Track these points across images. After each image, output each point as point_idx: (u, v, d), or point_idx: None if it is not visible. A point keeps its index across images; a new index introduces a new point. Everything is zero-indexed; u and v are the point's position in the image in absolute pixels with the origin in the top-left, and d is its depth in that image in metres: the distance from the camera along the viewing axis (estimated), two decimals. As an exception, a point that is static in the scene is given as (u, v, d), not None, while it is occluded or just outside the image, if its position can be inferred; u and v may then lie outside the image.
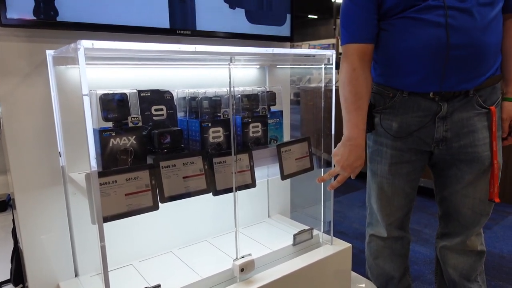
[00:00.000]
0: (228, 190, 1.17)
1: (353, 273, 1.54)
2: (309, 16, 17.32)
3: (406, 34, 1.15)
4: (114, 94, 1.02)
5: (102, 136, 0.98)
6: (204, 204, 1.47)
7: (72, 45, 0.84)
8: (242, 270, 1.17)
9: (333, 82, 1.37)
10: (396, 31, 1.17)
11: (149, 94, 1.13)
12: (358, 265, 1.73)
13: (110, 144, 1.00)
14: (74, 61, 0.86)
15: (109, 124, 1.03)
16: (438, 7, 1.08)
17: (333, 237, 1.42)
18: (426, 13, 1.10)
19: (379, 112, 1.28)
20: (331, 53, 1.27)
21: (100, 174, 0.91)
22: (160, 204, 1.03)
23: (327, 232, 1.44)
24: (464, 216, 1.27)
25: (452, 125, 1.17)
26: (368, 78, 1.21)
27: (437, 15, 1.08)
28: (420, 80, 1.16)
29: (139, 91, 1.11)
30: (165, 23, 1.26)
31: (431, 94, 1.16)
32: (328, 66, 1.33)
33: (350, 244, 1.40)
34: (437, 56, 1.10)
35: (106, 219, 0.92)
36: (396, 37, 1.17)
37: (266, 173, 1.46)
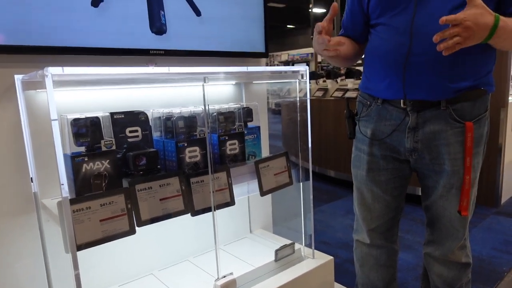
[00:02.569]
0: (207, 210, 1.16)
1: (337, 285, 1.54)
2: (287, 26, 17.56)
3: (379, 40, 1.19)
4: (85, 119, 1.00)
5: (74, 161, 0.96)
6: (185, 223, 1.45)
7: (40, 71, 0.83)
8: (223, 290, 1.16)
9: (308, 95, 1.39)
10: (374, 37, 1.22)
11: (123, 116, 1.12)
12: (343, 275, 1.73)
13: (83, 170, 0.98)
14: (43, 85, 0.85)
15: (82, 149, 1.01)
16: (407, 14, 1.11)
17: (315, 250, 1.43)
18: (396, 20, 1.13)
19: (358, 120, 1.32)
20: (304, 69, 1.29)
21: (73, 201, 0.90)
22: (137, 228, 1.02)
23: (309, 245, 1.44)
24: (444, 227, 1.29)
25: (423, 137, 1.19)
26: None
27: (405, 22, 1.11)
28: (387, 86, 1.19)
29: (112, 114, 1.09)
30: (138, 44, 1.25)
31: (401, 103, 1.18)
32: (302, 81, 1.35)
33: (331, 257, 1.40)
34: (398, 62, 1.13)
35: (80, 247, 0.90)
36: (373, 42, 1.22)
37: (246, 190, 1.45)
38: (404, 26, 1.11)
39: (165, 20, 1.28)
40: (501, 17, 1.00)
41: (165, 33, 1.29)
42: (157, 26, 1.26)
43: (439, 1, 1.08)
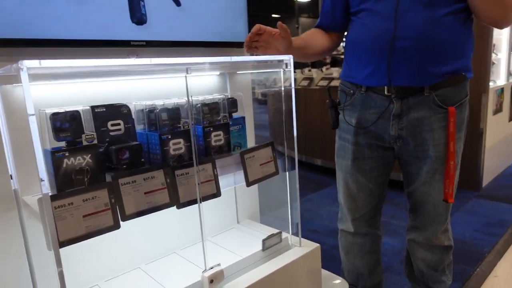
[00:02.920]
0: (192, 202, 1.15)
1: (325, 271, 1.56)
2: (272, 15, 17.44)
3: (361, 27, 1.20)
4: (65, 113, 0.98)
5: (54, 157, 0.94)
6: (171, 215, 1.44)
7: (15, 65, 0.80)
8: (211, 281, 1.16)
9: (292, 84, 1.38)
10: (355, 24, 1.22)
11: (104, 109, 1.09)
12: (330, 262, 1.75)
13: (64, 165, 0.96)
14: (19, 80, 0.82)
15: (63, 144, 0.99)
16: (391, 0, 1.11)
17: (302, 239, 1.44)
18: (380, 6, 1.13)
19: (342, 109, 1.32)
20: (288, 58, 1.28)
21: (54, 198, 0.88)
22: (122, 222, 1.01)
23: (295, 234, 1.45)
24: (428, 213, 1.31)
25: (408, 124, 1.20)
26: None
27: (389, 7, 1.11)
28: (371, 72, 1.19)
29: (93, 107, 1.07)
30: (118, 35, 1.22)
31: (385, 90, 1.19)
32: (286, 70, 1.34)
33: (318, 244, 1.42)
34: (383, 47, 1.13)
35: (63, 243, 0.89)
36: (355, 30, 1.23)
37: (233, 180, 1.45)
38: (389, 11, 1.11)
39: (145, 11, 1.25)
40: None
41: (145, 23, 1.26)
42: (138, 16, 1.23)
43: None
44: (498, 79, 3.66)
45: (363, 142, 1.29)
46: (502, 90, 3.45)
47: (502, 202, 2.89)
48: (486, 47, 3.00)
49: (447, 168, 1.20)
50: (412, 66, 1.13)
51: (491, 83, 3.18)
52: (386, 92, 1.18)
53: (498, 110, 3.40)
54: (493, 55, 3.36)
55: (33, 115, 0.80)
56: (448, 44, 1.13)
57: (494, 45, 3.30)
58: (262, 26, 1.19)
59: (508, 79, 3.72)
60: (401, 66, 1.13)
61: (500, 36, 3.64)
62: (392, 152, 1.30)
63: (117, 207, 0.99)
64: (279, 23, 1.17)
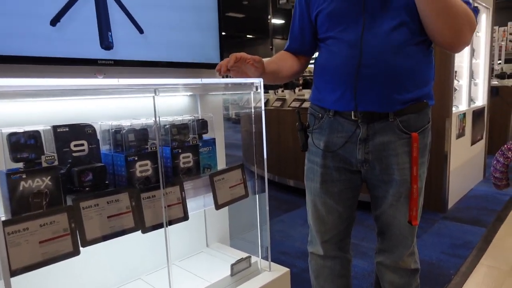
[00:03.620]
0: (159, 226, 1.12)
1: (295, 296, 1.54)
2: (247, 36, 17.74)
3: (328, 53, 1.23)
4: (24, 132, 0.93)
5: (9, 179, 0.89)
6: (136, 240, 1.39)
7: (-31, 83, 0.76)
8: (177, 309, 1.11)
9: (262, 106, 1.39)
10: (323, 50, 1.25)
11: (67, 129, 1.05)
12: (300, 285, 1.74)
13: (21, 188, 0.91)
14: (-26, 98, 0.78)
15: (20, 165, 0.94)
16: (356, 28, 1.15)
17: (272, 263, 1.42)
18: (345, 34, 1.17)
19: (311, 132, 1.33)
20: (258, 81, 1.29)
21: (7, 223, 0.83)
22: (82, 248, 0.96)
23: (265, 257, 1.43)
24: (394, 235, 1.33)
25: (373, 148, 1.23)
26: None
27: (355, 35, 1.15)
28: (339, 97, 1.22)
29: (55, 127, 1.03)
30: (86, 53, 1.20)
31: (352, 115, 1.21)
32: (256, 93, 1.35)
33: (288, 269, 1.40)
34: (350, 74, 1.17)
35: (16, 272, 0.83)
36: (323, 55, 1.26)
37: (202, 203, 1.42)
38: (355, 40, 1.15)
39: (112, 39, 1.25)
40: None
41: (112, 48, 1.26)
42: (106, 44, 1.25)
43: (383, 19, 1.13)
44: (460, 105, 3.83)
45: (331, 165, 1.30)
46: (464, 115, 3.62)
47: (467, 224, 2.98)
48: (448, 74, 3.15)
49: (411, 191, 1.22)
50: (377, 93, 1.16)
51: (454, 108, 3.33)
52: (353, 117, 1.21)
53: (461, 134, 3.55)
54: (455, 82, 3.54)
55: (-13, 135, 0.76)
56: (411, 73, 1.16)
57: (456, 72, 3.47)
58: (237, 54, 1.20)
59: (469, 105, 3.91)
60: (367, 92, 1.16)
61: (461, 64, 3.84)
62: (359, 175, 1.32)
63: (77, 232, 0.94)
64: (253, 57, 1.20)
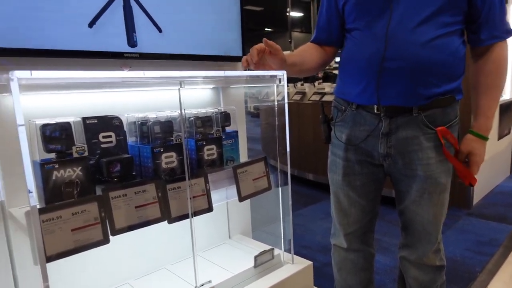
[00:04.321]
0: (184, 217, 1.14)
1: (316, 289, 1.54)
2: (265, 29, 17.65)
3: (354, 45, 1.21)
4: (56, 124, 0.96)
5: (43, 169, 0.92)
6: (162, 230, 1.42)
7: (5, 75, 0.79)
8: (201, 298, 1.13)
9: (286, 99, 1.39)
10: (349, 41, 1.24)
11: (95, 121, 1.08)
12: (322, 279, 1.73)
13: (53, 177, 0.94)
14: (9, 90, 0.81)
15: (52, 155, 0.97)
16: (382, 20, 1.12)
17: (294, 256, 1.42)
18: (371, 26, 1.15)
19: (334, 125, 1.33)
20: (282, 74, 1.29)
21: (42, 211, 0.85)
22: (111, 236, 0.98)
23: (288, 250, 1.44)
24: (418, 232, 1.31)
25: (396, 142, 1.20)
26: None
27: (380, 28, 1.13)
28: (361, 91, 1.20)
29: (85, 119, 1.06)
30: (112, 47, 1.22)
31: (375, 109, 1.20)
32: (279, 85, 1.34)
33: (311, 262, 1.40)
34: (373, 67, 1.15)
35: (50, 258, 0.86)
36: (348, 47, 1.24)
37: (225, 195, 1.43)
38: (380, 32, 1.13)
39: (136, 39, 1.29)
40: (478, 126, 1.21)
41: (136, 46, 1.29)
42: (131, 43, 1.28)
43: (413, 8, 1.10)
44: (487, 98, 3.73)
45: (353, 158, 1.29)
46: (491, 109, 3.52)
47: (493, 221, 2.90)
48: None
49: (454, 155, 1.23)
50: (400, 87, 1.14)
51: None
52: (375, 111, 1.19)
53: (487, 128, 3.46)
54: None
55: (22, 125, 0.79)
56: (438, 67, 1.12)
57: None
58: (257, 47, 1.20)
59: (497, 98, 3.80)
60: (389, 86, 1.14)
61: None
62: (382, 169, 1.30)
63: (107, 221, 0.97)
64: (264, 39, 1.18)
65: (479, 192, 3.37)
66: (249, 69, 1.26)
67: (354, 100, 1.24)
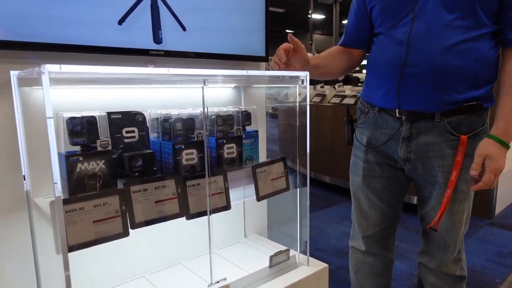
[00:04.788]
0: (202, 214, 1.14)
1: (331, 293, 1.53)
2: (286, 30, 17.65)
3: (379, 49, 1.21)
4: (82, 117, 0.98)
5: (68, 161, 0.94)
6: (179, 225, 1.43)
7: (37, 68, 0.81)
8: (216, 296, 1.14)
9: (307, 100, 1.38)
10: (375, 46, 1.24)
11: (119, 116, 1.10)
12: (336, 283, 1.72)
13: (77, 169, 0.96)
14: (39, 82, 0.83)
15: (77, 148, 1.00)
16: (405, 25, 1.11)
17: (310, 258, 1.41)
18: (395, 31, 1.14)
19: (356, 126, 1.32)
20: (304, 74, 1.28)
21: (66, 201, 0.88)
22: (131, 230, 1.00)
23: (303, 252, 1.43)
24: (436, 240, 1.28)
25: (417, 148, 1.18)
26: None
27: (403, 32, 1.11)
28: (384, 94, 1.20)
29: (109, 113, 1.08)
30: (138, 44, 1.24)
31: (397, 112, 1.18)
32: (302, 86, 1.34)
33: (326, 265, 1.39)
34: (394, 72, 1.14)
35: (72, 248, 0.88)
36: (374, 51, 1.24)
37: (242, 194, 1.44)
38: (402, 38, 1.12)
39: (162, 37, 1.31)
40: (497, 130, 1.10)
41: (161, 43, 1.31)
42: (157, 39, 1.30)
43: (436, 15, 1.08)
44: None
45: (373, 160, 1.28)
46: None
47: (515, 232, 2.82)
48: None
49: (444, 195, 1.15)
50: (421, 93, 1.12)
51: None
52: (397, 114, 1.18)
53: None
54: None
55: (51, 118, 0.81)
56: (461, 73, 1.08)
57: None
58: (284, 48, 1.21)
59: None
60: (410, 92, 1.13)
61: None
62: (403, 173, 1.28)
63: (127, 214, 0.99)
64: (289, 35, 1.19)
65: (501, 202, 3.28)
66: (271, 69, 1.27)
67: (377, 103, 1.24)
